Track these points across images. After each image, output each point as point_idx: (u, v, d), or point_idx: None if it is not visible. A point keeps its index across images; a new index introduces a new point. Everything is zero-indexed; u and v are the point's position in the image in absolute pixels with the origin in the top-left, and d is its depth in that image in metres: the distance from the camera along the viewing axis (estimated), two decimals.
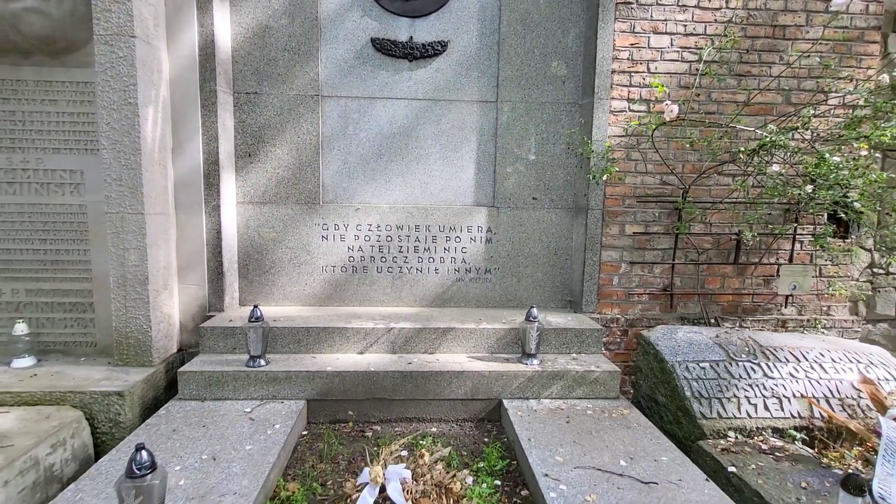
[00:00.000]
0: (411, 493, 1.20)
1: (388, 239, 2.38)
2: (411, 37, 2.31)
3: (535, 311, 1.98)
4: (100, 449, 1.84)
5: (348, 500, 1.23)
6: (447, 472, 1.34)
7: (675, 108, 2.07)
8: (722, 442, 1.67)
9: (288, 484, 1.49)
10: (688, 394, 1.79)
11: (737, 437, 1.71)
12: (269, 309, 2.32)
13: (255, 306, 1.95)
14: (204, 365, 1.97)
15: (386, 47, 2.31)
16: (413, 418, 1.95)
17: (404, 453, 1.50)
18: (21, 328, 2.04)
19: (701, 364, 1.88)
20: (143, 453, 1.11)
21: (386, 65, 2.33)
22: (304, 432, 1.86)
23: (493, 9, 2.32)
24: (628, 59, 2.28)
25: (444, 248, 2.40)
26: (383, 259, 2.39)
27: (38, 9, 1.93)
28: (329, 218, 2.37)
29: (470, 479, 1.46)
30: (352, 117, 2.35)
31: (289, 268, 2.39)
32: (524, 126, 2.38)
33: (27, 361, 2.05)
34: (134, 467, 1.09)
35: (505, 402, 1.91)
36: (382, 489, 1.20)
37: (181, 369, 1.94)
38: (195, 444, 1.58)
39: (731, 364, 1.89)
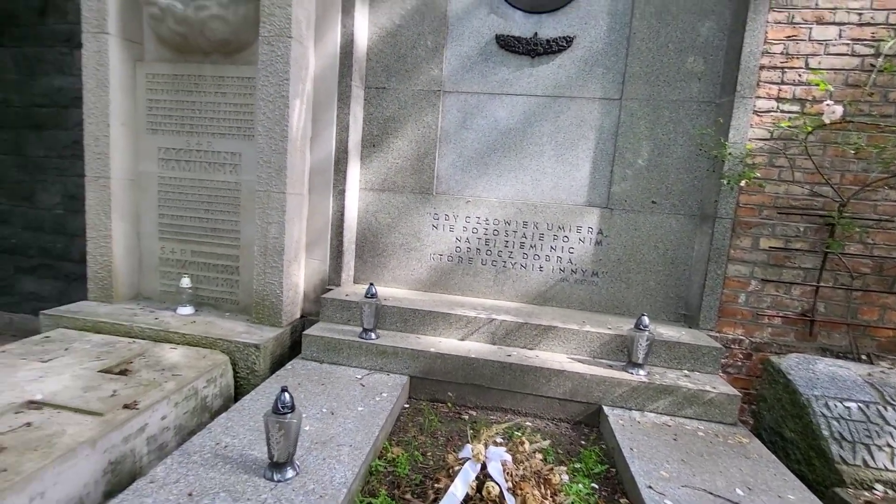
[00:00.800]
0: (511, 475, 1.23)
1: (495, 233, 2.43)
2: (536, 33, 2.31)
3: (646, 319, 1.88)
4: (238, 390, 2.15)
5: (450, 471, 1.30)
6: (545, 464, 1.35)
7: (839, 109, 1.81)
8: (867, 494, 1.45)
9: (393, 448, 1.61)
10: (825, 433, 1.58)
11: (887, 492, 1.47)
12: (379, 289, 2.50)
13: (371, 284, 2.13)
14: (323, 331, 2.20)
15: (510, 44, 2.34)
16: (508, 409, 1.98)
17: (500, 440, 1.53)
18: (186, 282, 2.46)
19: (846, 403, 1.65)
20: (287, 395, 1.29)
21: (508, 61, 2.36)
22: (406, 405, 1.99)
23: (626, 2, 2.23)
24: (782, 52, 2.04)
25: (551, 247, 2.38)
26: (489, 252, 2.44)
27: (220, 16, 2.29)
28: (440, 208, 2.48)
29: (566, 477, 1.46)
30: (470, 112, 2.42)
31: (400, 252, 2.55)
32: (649, 125, 2.25)
33: (188, 310, 2.47)
34: (279, 405, 1.27)
35: (605, 408, 1.85)
36: (483, 467, 1.24)
37: (306, 332, 2.18)
38: (316, 399, 1.78)
39: (885, 408, 1.62)
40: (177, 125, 2.50)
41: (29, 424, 1.47)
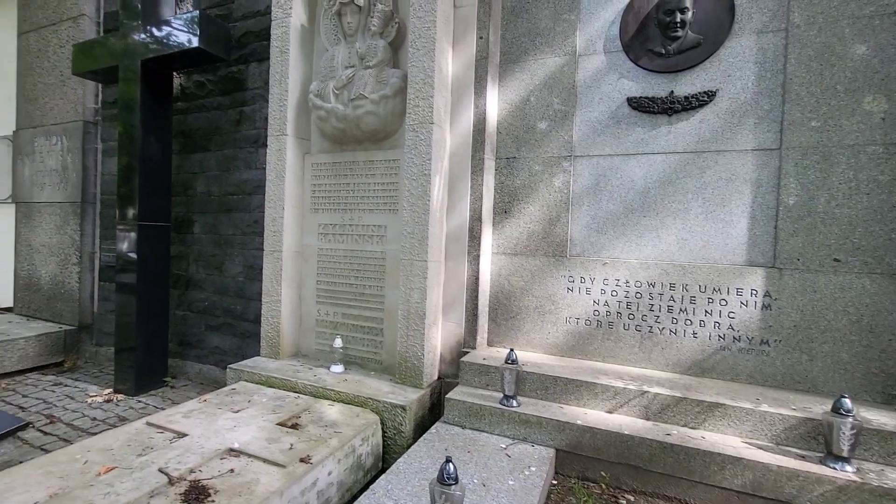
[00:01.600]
0: None
1: (638, 296, 2.30)
2: (672, 91, 2.27)
3: (847, 401, 1.58)
4: (385, 449, 2.26)
5: None
6: None
7: None
8: None
9: None
10: None
11: None
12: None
13: (511, 350, 2.14)
14: (464, 396, 2.24)
15: (643, 105, 2.32)
16: (673, 498, 1.76)
17: None
18: (338, 342, 2.72)
19: None
20: (451, 466, 1.32)
21: (642, 121, 2.34)
22: (555, 482, 1.90)
23: (775, 49, 2.10)
24: None
25: (706, 311, 2.17)
26: (631, 316, 2.31)
27: (373, 111, 2.66)
28: (575, 270, 2.44)
29: None
30: (603, 174, 2.41)
31: (533, 315, 2.54)
32: (820, 175, 2.01)
33: (340, 368, 2.71)
34: (444, 476, 1.30)
35: None
36: None
37: (448, 396, 2.24)
38: (465, 468, 1.79)
39: None
40: (334, 204, 2.90)
41: (232, 471, 1.71)
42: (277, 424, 2.10)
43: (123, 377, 3.29)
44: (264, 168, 3.29)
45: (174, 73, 3.52)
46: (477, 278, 2.59)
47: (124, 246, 3.32)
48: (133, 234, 3.27)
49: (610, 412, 2.04)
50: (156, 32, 3.15)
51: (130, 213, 3.28)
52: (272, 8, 2.94)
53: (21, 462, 2.31)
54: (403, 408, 2.23)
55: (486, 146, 2.59)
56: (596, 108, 2.44)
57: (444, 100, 2.58)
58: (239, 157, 3.41)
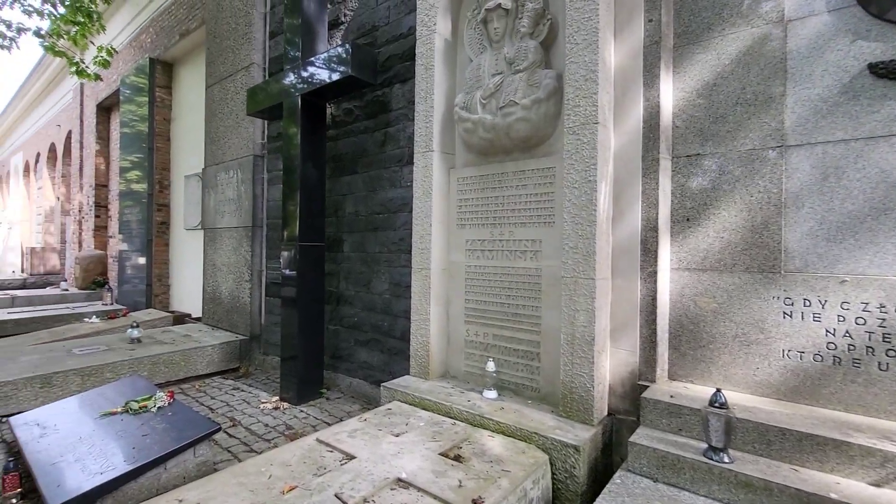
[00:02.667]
0: None
1: None
2: None
3: None
4: (555, 494, 1.99)
5: None
6: None
7: None
8: None
9: None
10: None
11: None
12: (705, 389, 2.04)
13: (718, 390, 1.72)
14: (652, 441, 1.87)
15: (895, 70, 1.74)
16: None
17: None
18: (491, 366, 2.55)
19: None
20: None
21: (894, 93, 1.76)
22: None
23: None
24: None
25: None
26: (891, 352, 1.72)
27: (524, 118, 2.47)
28: (794, 291, 1.92)
29: None
30: (835, 166, 1.87)
31: (733, 346, 2.07)
32: None
33: (493, 394, 2.53)
34: None
35: None
36: None
37: (632, 439, 1.90)
38: None
39: None
40: (481, 219, 2.76)
41: None
42: (440, 455, 1.98)
43: (287, 386, 3.56)
44: (408, 186, 3.32)
45: (326, 104, 3.78)
46: (654, 298, 2.21)
47: (287, 264, 3.61)
48: (294, 254, 3.54)
49: (878, 485, 1.50)
50: (312, 68, 3.41)
51: (292, 234, 3.57)
52: (417, 27, 2.96)
53: (215, 463, 2.56)
54: (576, 448, 1.94)
55: (660, 144, 2.22)
56: (818, 83, 1.92)
57: (608, 96, 2.28)
58: (384, 176, 3.51)
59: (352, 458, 1.95)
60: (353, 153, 3.75)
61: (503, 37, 2.62)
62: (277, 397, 3.61)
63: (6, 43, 6.25)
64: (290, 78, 3.57)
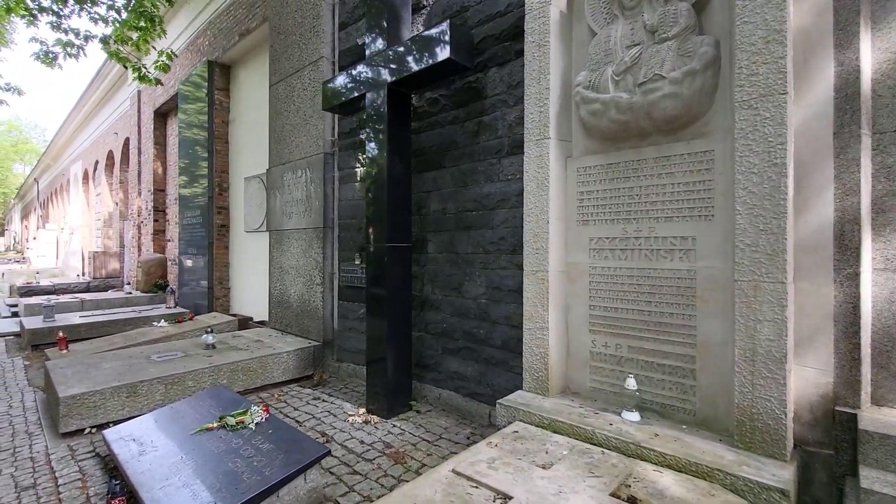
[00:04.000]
0: None
1: None
2: None
3: None
4: None
5: None
6: None
7: None
8: None
9: None
10: None
11: None
12: None
13: None
14: (893, 489, 1.48)
15: None
16: None
17: None
18: (631, 383, 2.20)
19: None
20: None
21: None
22: None
23: None
24: None
25: None
26: None
27: (673, 93, 2.11)
28: None
29: None
30: None
31: None
32: None
33: (635, 416, 2.18)
34: None
35: None
36: None
37: (865, 486, 1.52)
38: None
39: None
40: (610, 213, 2.41)
41: None
42: (611, 496, 1.65)
43: (374, 397, 3.31)
44: (509, 179, 3.01)
45: (411, 94, 3.52)
46: (854, 306, 1.81)
47: (371, 266, 3.37)
48: (380, 255, 3.29)
49: None
50: (401, 54, 3.14)
51: (377, 234, 3.32)
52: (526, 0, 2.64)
53: (324, 487, 2.32)
54: (783, 492, 1.58)
55: (861, 117, 1.81)
56: None
57: (789, 63, 1.89)
58: (478, 170, 3.21)
59: (507, 497, 1.65)
60: (439, 146, 3.48)
61: (640, 1, 2.27)
62: (364, 409, 3.37)
63: (74, 51, 6.34)
64: (374, 67, 3.33)
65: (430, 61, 2.93)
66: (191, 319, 5.76)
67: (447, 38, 2.83)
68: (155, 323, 5.62)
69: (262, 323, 5.98)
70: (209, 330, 4.22)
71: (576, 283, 2.56)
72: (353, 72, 3.55)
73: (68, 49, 6.27)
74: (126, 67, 6.54)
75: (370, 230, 3.39)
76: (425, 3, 3.59)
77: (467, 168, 3.28)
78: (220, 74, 6.90)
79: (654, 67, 2.16)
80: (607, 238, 2.42)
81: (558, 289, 2.56)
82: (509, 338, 2.99)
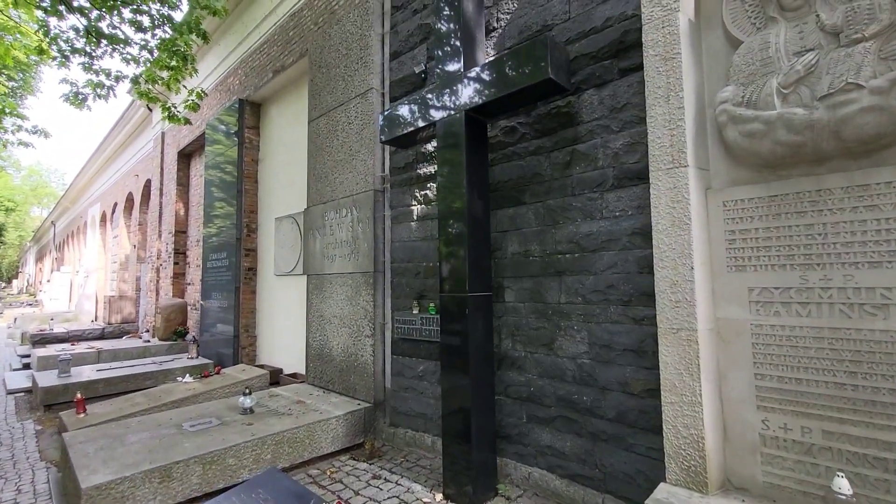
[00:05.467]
0: None
1: None
2: None
3: None
4: None
5: None
6: None
7: None
8: None
9: None
10: None
11: None
12: None
13: None
14: None
15: None
16: None
17: None
18: (843, 485, 1.63)
19: None
20: None
21: None
22: None
23: None
24: None
25: None
26: None
27: (876, 106, 1.66)
28: None
29: None
30: None
31: None
32: None
33: None
34: None
35: None
36: None
37: None
38: None
39: None
40: (778, 258, 1.92)
41: None
42: None
43: (455, 478, 2.74)
44: (616, 216, 2.55)
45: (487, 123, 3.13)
46: None
47: (448, 318, 2.88)
48: (459, 305, 2.80)
49: None
50: (482, 77, 2.77)
51: (455, 280, 2.85)
52: (644, 7, 2.26)
53: None
54: None
55: None
56: None
57: None
58: (572, 206, 2.76)
59: None
60: (518, 180, 3.05)
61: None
62: (441, 495, 2.79)
63: (104, 92, 6.16)
64: (448, 92, 2.96)
65: (524, 83, 2.54)
66: (218, 374, 5.24)
67: (546, 55, 2.45)
68: (179, 378, 5.10)
69: (294, 376, 5.44)
70: (247, 392, 3.69)
71: (732, 346, 2.04)
72: (420, 99, 3.18)
73: (98, 90, 6.09)
74: (149, 109, 6.35)
75: (444, 275, 2.92)
76: (495, 24, 3.27)
77: (556, 204, 2.84)
78: (251, 112, 6.68)
79: (843, 75, 1.72)
80: (776, 288, 1.92)
81: (710, 352, 2.04)
82: (627, 409, 2.45)
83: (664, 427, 2.08)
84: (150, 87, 6.25)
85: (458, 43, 2.93)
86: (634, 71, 2.51)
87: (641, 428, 2.38)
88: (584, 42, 2.73)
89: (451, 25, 2.99)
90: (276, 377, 5.45)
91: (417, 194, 3.77)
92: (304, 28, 5.38)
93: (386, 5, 4.23)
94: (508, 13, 3.18)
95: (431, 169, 3.65)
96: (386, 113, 3.45)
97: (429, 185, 3.68)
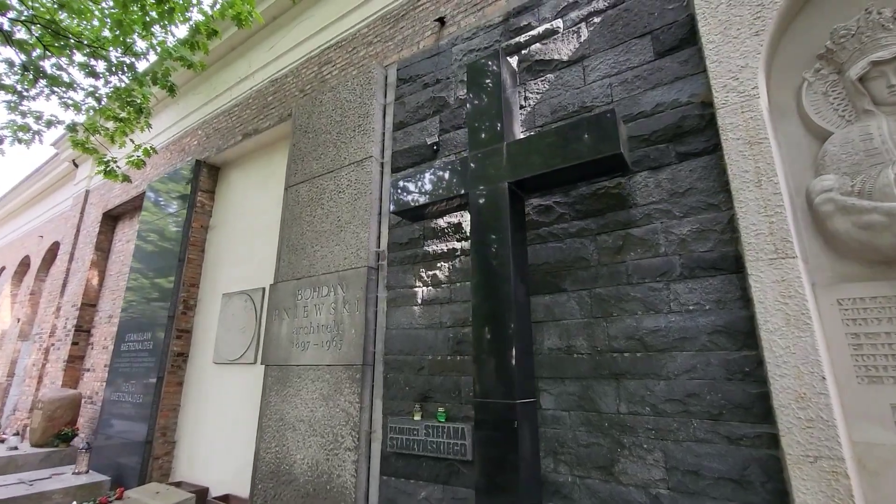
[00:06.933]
0: None
1: None
2: None
3: None
4: None
5: None
6: None
7: None
8: None
9: None
10: None
11: None
12: None
13: None
14: None
15: None
16: None
17: None
18: None
19: None
20: None
21: None
22: None
23: None
24: None
25: None
26: None
27: None
28: None
29: None
30: None
31: None
32: None
33: None
34: None
35: None
36: None
37: None
38: None
39: None
40: None
41: None
42: None
43: None
44: (690, 311, 2.22)
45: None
46: None
47: (489, 433, 2.25)
48: (504, 416, 2.21)
49: None
50: (536, 146, 2.50)
51: (494, 383, 2.28)
52: (717, 93, 2.16)
53: None
54: None
55: None
56: None
57: None
58: (629, 296, 2.41)
59: None
60: (556, 264, 2.69)
61: None
62: None
63: (28, 136, 5.23)
64: (488, 163, 2.64)
65: (589, 156, 2.28)
66: (119, 499, 3.89)
67: (615, 129, 2.23)
68: None
69: (224, 500, 4.21)
70: None
71: (881, 479, 1.64)
72: (447, 167, 2.83)
73: (21, 133, 5.15)
74: (75, 165, 5.46)
75: (481, 376, 2.34)
76: (522, 103, 3.12)
77: (608, 293, 2.48)
78: (208, 175, 6.00)
79: None
80: None
81: (860, 489, 1.62)
82: None
83: None
84: (89, 136, 5.44)
85: (496, 115, 2.68)
86: (696, 156, 2.36)
87: None
88: (632, 125, 2.60)
89: (488, 99, 2.77)
90: (201, 500, 4.17)
91: (423, 274, 3.26)
92: (286, 94, 5.06)
93: (390, 77, 4.05)
94: (538, 93, 3.06)
95: (444, 247, 3.21)
96: (399, 181, 3.05)
97: (439, 265, 3.20)
